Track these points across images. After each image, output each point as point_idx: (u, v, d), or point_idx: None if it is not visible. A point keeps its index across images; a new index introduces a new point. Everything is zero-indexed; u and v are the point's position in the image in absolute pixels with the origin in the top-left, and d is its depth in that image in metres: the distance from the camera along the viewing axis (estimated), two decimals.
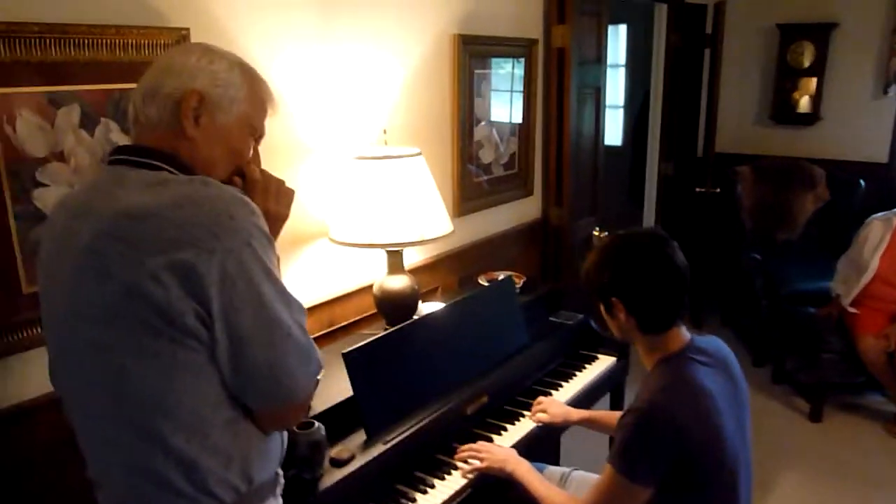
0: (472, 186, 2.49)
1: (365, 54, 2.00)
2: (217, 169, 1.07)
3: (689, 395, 1.37)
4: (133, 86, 1.43)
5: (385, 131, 1.90)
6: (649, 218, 4.22)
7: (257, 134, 1.12)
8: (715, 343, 1.54)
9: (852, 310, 3.19)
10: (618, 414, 1.91)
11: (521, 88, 2.68)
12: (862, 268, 3.18)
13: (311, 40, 1.84)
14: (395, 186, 1.81)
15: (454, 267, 2.50)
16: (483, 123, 2.50)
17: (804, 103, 4.37)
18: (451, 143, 2.38)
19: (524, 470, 1.64)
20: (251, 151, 1.13)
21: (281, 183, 1.15)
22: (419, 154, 1.86)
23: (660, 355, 1.46)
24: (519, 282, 2.36)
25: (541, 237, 2.99)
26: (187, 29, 1.52)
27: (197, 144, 1.03)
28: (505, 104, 2.63)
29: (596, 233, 3.04)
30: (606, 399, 2.34)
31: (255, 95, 1.08)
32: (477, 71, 2.40)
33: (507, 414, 1.95)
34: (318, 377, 1.07)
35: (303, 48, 1.82)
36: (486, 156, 2.55)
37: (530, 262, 2.94)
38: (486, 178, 2.57)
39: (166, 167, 0.99)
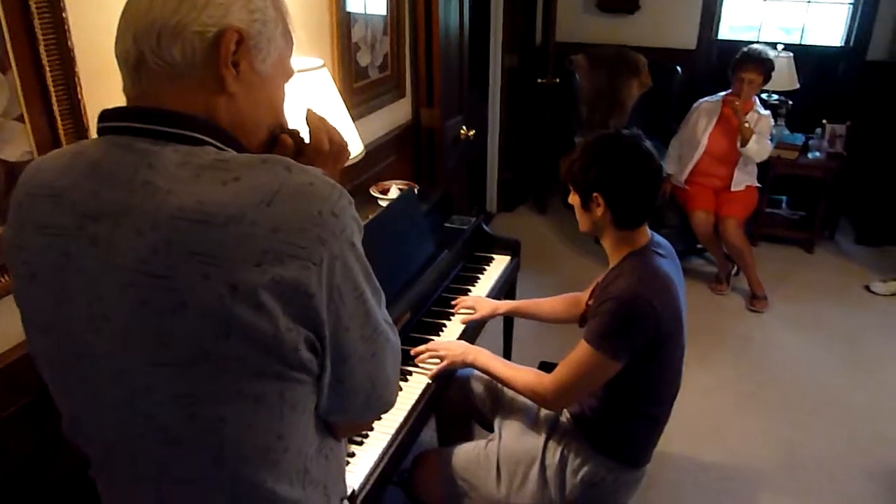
0: (353, 93, 2.33)
1: None
2: (259, 133, 0.82)
3: (661, 284, 1.52)
4: None
5: None
6: (494, 110, 4.27)
7: (289, 79, 0.86)
8: (662, 239, 1.69)
9: (685, 187, 3.58)
10: (538, 301, 2.07)
11: None
12: (693, 146, 3.54)
13: None
14: (304, 102, 1.63)
15: (340, 181, 2.38)
16: (359, 23, 2.31)
17: None
18: (329, 47, 2.18)
19: (486, 357, 1.73)
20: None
21: (344, 146, 0.91)
22: (323, 66, 1.69)
23: (629, 249, 1.60)
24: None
25: (413, 140, 2.93)
26: None
27: (237, 102, 0.77)
28: (374, 10, 2.44)
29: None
30: None
31: (287, 29, 0.83)
32: None
33: (429, 326, 1.97)
34: None
35: None
36: (364, 58, 2.39)
37: (405, 167, 2.88)
38: (364, 82, 2.41)
39: (210, 139, 0.73)
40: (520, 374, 1.66)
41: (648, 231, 1.63)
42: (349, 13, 2.23)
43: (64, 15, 1.25)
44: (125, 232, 0.69)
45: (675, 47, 4.58)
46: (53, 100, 1.26)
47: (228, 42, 0.74)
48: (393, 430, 1.54)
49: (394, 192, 2.33)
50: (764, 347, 3.20)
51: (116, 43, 0.76)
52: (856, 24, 4.28)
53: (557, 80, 4.28)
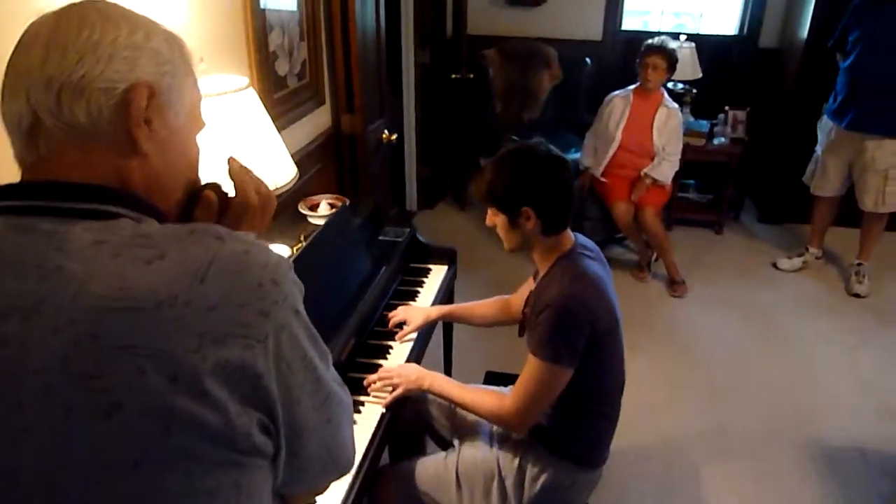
0: (273, 105, 2.19)
1: None
2: (176, 193, 0.76)
3: (592, 284, 1.54)
4: None
5: (202, 59, 1.54)
6: (409, 107, 4.19)
7: (202, 130, 0.80)
8: (587, 240, 1.71)
9: (603, 179, 3.65)
10: (469, 305, 2.04)
11: None
12: (608, 140, 3.61)
13: None
14: (230, 128, 1.51)
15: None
16: (276, 30, 2.17)
17: None
18: (247, 58, 2.04)
19: (442, 382, 1.69)
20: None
21: (272, 197, 0.85)
22: (248, 86, 1.56)
23: (557, 254, 1.61)
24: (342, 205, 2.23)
25: (334, 148, 2.81)
26: None
27: (151, 163, 0.70)
28: (289, 5, 2.31)
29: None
30: None
31: (196, 79, 0.77)
32: None
33: (375, 349, 1.89)
34: None
35: None
36: (282, 67, 2.25)
37: (328, 177, 2.77)
38: (283, 92, 2.28)
39: (124, 211, 0.66)
40: (479, 397, 1.63)
41: (572, 234, 1.65)
42: (265, 19, 2.09)
43: None
44: (39, 329, 0.60)
45: (582, 39, 4.65)
46: None
47: (139, 98, 0.68)
48: (352, 473, 1.47)
49: (324, 208, 2.23)
50: (688, 331, 3.32)
51: (3, 102, 0.67)
52: (748, 13, 4.49)
53: (471, 75, 4.25)
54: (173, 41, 0.74)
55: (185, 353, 0.60)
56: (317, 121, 2.64)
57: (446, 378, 1.70)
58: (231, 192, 0.84)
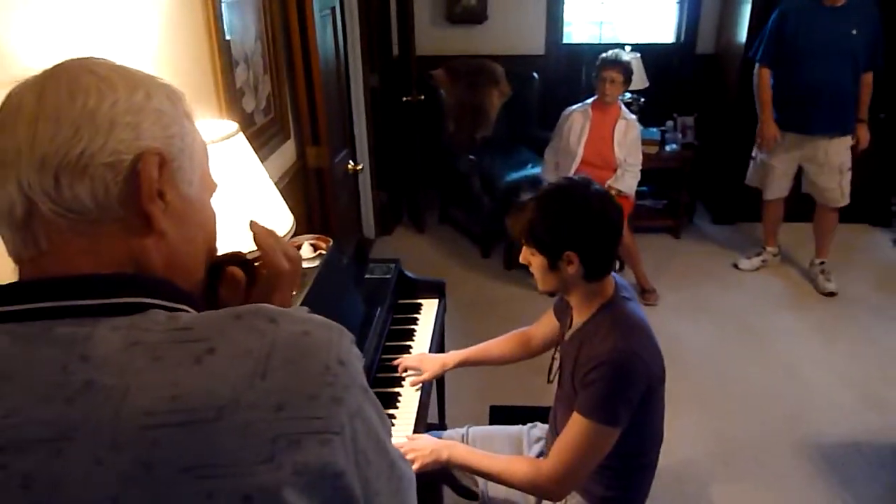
0: None
1: None
2: (199, 272, 0.68)
3: (642, 333, 1.45)
4: None
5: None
6: (361, 133, 4.06)
7: (214, 193, 0.71)
8: (621, 279, 1.60)
9: None
10: (486, 346, 1.95)
11: (262, 17, 2.23)
12: (570, 155, 3.59)
13: None
14: (222, 181, 1.36)
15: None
16: (241, 66, 2.03)
17: (471, 2, 4.59)
18: (215, 97, 1.89)
19: (462, 451, 1.56)
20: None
21: (299, 260, 0.76)
22: (238, 131, 1.43)
23: (600, 301, 1.49)
24: (326, 245, 2.09)
25: (301, 183, 2.67)
26: None
27: (169, 241, 0.61)
28: (251, 38, 2.16)
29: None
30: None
31: (202, 137, 0.68)
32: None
33: (383, 399, 1.77)
34: None
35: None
36: (249, 104, 2.11)
37: (297, 214, 2.60)
38: (251, 130, 2.13)
39: (155, 300, 0.57)
40: (510, 465, 1.50)
41: (613, 277, 1.55)
42: (231, 54, 1.94)
43: None
44: (75, 462, 0.49)
45: (526, 54, 4.66)
46: None
47: (149, 169, 0.59)
48: None
49: (306, 250, 2.08)
50: (667, 341, 3.22)
51: None
52: (683, 20, 4.61)
53: (423, 97, 4.17)
54: (174, 97, 0.64)
55: (256, 464, 0.51)
56: (283, 157, 2.50)
57: (467, 447, 1.58)
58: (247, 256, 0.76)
